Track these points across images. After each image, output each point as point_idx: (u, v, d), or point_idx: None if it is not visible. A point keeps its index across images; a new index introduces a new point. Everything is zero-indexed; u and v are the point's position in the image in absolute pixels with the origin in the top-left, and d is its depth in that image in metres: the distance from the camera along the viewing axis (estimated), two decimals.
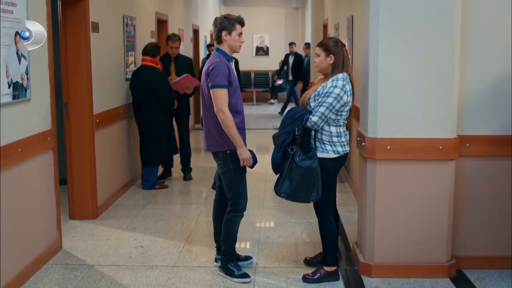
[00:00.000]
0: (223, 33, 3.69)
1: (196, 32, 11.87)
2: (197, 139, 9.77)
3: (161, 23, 8.33)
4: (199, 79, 4.93)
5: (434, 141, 3.69)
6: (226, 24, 3.69)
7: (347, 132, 3.73)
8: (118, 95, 5.99)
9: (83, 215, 5.17)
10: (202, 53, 12.64)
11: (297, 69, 13.12)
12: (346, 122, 3.70)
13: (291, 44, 13.68)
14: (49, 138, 4.19)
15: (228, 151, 3.69)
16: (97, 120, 5.23)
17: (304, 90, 12.32)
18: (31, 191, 3.96)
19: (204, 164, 7.62)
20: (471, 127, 3.83)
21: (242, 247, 4.46)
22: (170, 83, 6.20)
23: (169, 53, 6.49)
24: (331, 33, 8.60)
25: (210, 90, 3.59)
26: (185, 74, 6.29)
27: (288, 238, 4.68)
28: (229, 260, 3.85)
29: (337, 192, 3.98)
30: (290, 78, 13.50)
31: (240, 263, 3.99)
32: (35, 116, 3.99)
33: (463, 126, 3.82)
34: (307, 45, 13.09)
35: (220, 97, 3.57)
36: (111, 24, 5.75)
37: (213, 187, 4.08)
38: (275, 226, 5.05)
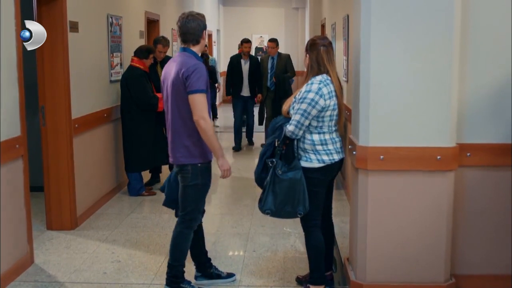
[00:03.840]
0: (204, 32, 3.45)
1: None
2: None
3: (152, 23, 8.05)
4: None
5: (431, 150, 3.39)
6: (205, 22, 3.43)
7: (338, 139, 3.43)
8: (101, 98, 5.69)
9: (61, 226, 4.89)
10: None
11: (256, 79, 8.71)
12: (335, 128, 3.41)
13: (248, 41, 9.00)
14: (17, 146, 3.90)
15: (199, 164, 3.39)
16: (76, 125, 4.94)
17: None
18: None
19: None
20: (472, 135, 3.54)
21: (224, 262, 4.14)
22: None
23: (156, 57, 6.19)
24: (328, 33, 8.34)
25: (190, 96, 3.26)
26: None
27: (277, 252, 4.38)
28: (183, 279, 3.55)
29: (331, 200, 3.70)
30: (246, 94, 8.78)
31: (221, 281, 3.72)
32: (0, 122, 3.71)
33: (463, 133, 3.52)
34: (276, 42, 8.84)
35: (202, 103, 3.26)
36: (93, 23, 5.46)
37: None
38: (264, 238, 4.75)
